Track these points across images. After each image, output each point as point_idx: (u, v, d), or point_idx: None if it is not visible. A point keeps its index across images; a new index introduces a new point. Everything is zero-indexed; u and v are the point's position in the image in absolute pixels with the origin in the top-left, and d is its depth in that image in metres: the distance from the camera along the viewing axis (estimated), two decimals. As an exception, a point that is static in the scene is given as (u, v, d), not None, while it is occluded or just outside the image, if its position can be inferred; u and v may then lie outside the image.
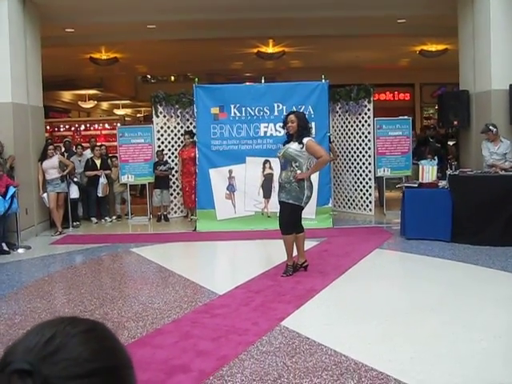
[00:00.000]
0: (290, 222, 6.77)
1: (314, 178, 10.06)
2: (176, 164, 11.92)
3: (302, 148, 6.61)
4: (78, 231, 10.95)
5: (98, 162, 11.86)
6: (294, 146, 6.67)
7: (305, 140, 6.61)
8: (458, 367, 3.98)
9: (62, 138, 14.40)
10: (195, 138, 11.06)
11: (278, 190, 6.91)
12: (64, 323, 0.85)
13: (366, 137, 11.51)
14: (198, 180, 10.48)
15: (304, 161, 6.65)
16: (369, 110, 11.47)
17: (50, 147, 10.57)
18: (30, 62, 10.49)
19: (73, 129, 16.62)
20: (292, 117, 6.79)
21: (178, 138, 11.93)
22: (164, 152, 11.86)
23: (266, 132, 10.36)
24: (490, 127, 9.42)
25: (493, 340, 4.52)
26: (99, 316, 5.44)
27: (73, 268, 7.86)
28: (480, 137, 9.72)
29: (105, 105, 25.43)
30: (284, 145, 6.92)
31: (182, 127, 11.92)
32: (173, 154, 11.97)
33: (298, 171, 6.61)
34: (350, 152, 11.80)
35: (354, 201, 11.90)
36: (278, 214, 9.94)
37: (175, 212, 12.16)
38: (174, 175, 11.91)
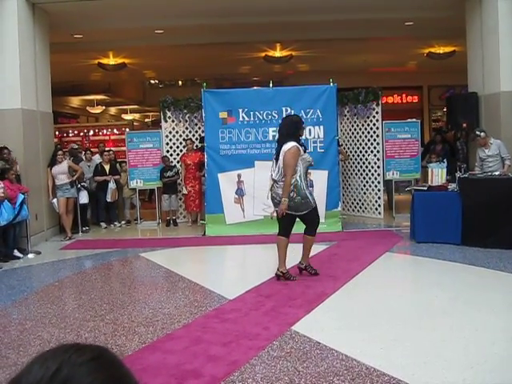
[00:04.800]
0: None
1: (323, 181, 10.09)
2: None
3: None
4: (87, 236, 10.98)
5: (106, 167, 11.90)
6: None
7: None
8: (470, 372, 3.95)
9: (71, 144, 14.44)
10: (200, 143, 11.14)
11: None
12: (68, 352, 0.81)
13: (374, 140, 11.50)
14: (207, 184, 10.49)
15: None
16: (377, 112, 11.46)
17: (59, 153, 10.60)
18: (39, 68, 10.55)
19: (81, 134, 16.66)
20: None
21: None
22: (173, 157, 11.90)
23: (274, 136, 10.31)
24: (477, 132, 9.44)
25: (505, 344, 4.48)
26: (109, 321, 5.45)
27: (83, 273, 7.88)
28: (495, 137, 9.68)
29: (113, 110, 25.51)
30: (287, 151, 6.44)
31: (190, 132, 11.95)
32: (181, 158, 11.98)
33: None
34: (358, 155, 11.79)
35: (363, 204, 11.88)
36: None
37: (184, 216, 12.17)
38: (182, 180, 11.92)
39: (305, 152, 6.60)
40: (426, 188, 9.08)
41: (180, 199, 12.00)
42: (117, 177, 11.94)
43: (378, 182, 11.54)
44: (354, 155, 11.89)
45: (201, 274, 7.66)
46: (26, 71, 10.00)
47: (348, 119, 11.93)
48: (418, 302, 5.93)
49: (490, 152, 9.32)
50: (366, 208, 11.84)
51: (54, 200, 10.44)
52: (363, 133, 11.62)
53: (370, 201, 11.74)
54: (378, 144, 11.47)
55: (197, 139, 11.80)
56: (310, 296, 6.06)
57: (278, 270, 6.71)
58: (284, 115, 10.23)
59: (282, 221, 6.57)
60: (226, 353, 4.47)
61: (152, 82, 23.56)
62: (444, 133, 13.90)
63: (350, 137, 11.91)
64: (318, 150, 10.23)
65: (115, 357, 0.87)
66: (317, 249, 8.58)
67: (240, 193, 10.35)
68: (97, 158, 12.37)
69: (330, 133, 10.28)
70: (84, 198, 11.17)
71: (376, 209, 11.66)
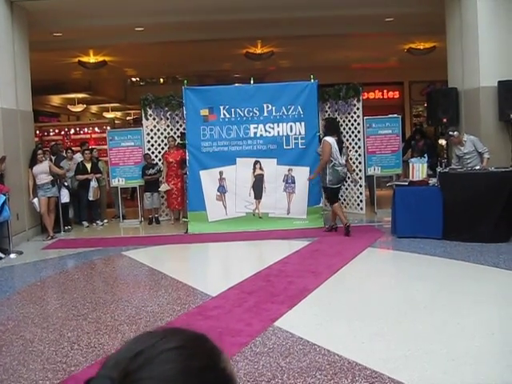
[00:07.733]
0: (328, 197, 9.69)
1: (305, 177, 10.12)
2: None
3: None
4: (69, 235, 10.92)
5: (88, 166, 11.83)
6: None
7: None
8: (452, 365, 3.99)
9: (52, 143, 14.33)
10: (181, 141, 11.12)
11: None
12: (158, 337, 0.80)
13: (355, 136, 11.55)
14: (189, 182, 10.48)
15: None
16: (358, 108, 11.51)
17: (40, 152, 10.50)
18: (19, 66, 10.45)
19: (62, 133, 16.51)
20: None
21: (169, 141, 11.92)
22: (154, 154, 11.86)
23: (255, 133, 10.35)
24: (450, 132, 9.49)
25: (486, 337, 4.54)
26: (92, 320, 5.44)
27: (65, 272, 7.84)
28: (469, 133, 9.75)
29: (94, 108, 25.31)
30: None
31: (171, 129, 11.90)
32: (163, 156, 11.94)
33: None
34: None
35: (344, 200, 11.91)
36: (269, 215, 10.11)
37: (166, 214, 12.13)
38: (163, 178, 11.87)
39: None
40: (407, 183, 9.15)
41: (162, 197, 11.97)
42: (98, 175, 11.87)
43: (360, 178, 11.59)
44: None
45: (183, 272, 7.66)
46: (5, 70, 9.90)
47: (329, 115, 11.95)
48: (400, 296, 5.98)
49: (465, 149, 9.36)
50: (347, 204, 11.88)
51: (35, 200, 10.33)
52: (344, 129, 11.65)
53: (352, 196, 11.79)
54: (359, 140, 11.53)
55: (178, 137, 11.77)
56: (292, 292, 6.09)
57: (344, 225, 9.14)
58: (265, 112, 10.27)
59: (334, 192, 9.46)
60: (208, 350, 4.46)
61: (133, 79, 23.44)
62: (421, 131, 13.94)
63: (332, 133, 11.92)
64: (300, 146, 10.26)
65: (203, 347, 0.83)
66: (299, 245, 8.65)
67: (222, 190, 10.35)
68: (78, 157, 12.29)
69: (312, 129, 10.32)
70: (65, 196, 11.09)
71: (358, 204, 11.71)
